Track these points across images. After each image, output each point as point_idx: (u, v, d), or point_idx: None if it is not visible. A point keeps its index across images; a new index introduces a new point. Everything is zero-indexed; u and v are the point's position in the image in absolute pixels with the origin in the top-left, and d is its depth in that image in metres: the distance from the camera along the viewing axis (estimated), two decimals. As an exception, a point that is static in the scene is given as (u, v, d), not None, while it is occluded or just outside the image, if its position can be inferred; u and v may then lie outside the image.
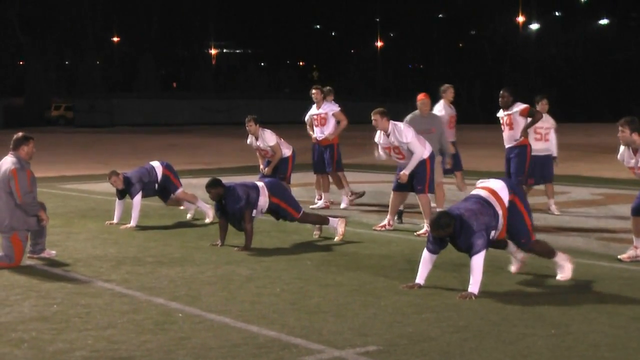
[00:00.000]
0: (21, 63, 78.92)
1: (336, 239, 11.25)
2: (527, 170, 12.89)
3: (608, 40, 74.61)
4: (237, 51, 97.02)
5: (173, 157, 27.84)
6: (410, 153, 11.69)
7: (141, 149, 33.93)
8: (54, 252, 10.30)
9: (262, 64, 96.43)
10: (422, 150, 11.74)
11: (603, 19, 79.32)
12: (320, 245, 11.00)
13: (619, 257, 9.71)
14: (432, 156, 11.91)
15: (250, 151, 15.01)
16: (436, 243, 8.33)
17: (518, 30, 75.37)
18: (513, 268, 9.05)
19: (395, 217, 12.52)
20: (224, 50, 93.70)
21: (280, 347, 6.43)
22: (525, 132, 12.83)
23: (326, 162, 14.99)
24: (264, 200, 10.96)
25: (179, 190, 13.49)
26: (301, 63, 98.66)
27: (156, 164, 13.48)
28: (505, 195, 8.43)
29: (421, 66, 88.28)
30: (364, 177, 20.21)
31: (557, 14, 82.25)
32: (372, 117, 11.79)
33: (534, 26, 78.53)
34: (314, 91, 15.05)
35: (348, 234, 11.51)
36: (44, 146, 31.43)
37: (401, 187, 12.05)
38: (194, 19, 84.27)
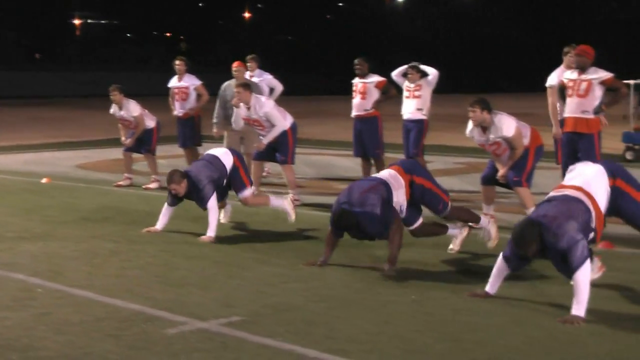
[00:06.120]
0: None
1: (489, 244, 8.80)
2: (381, 141, 13.27)
3: (472, 15, 76.32)
4: (102, 22, 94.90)
5: (37, 131, 27.16)
6: (271, 125, 11.82)
7: (2, 123, 32.84)
8: None
9: (129, 35, 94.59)
10: (283, 122, 11.91)
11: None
12: (186, 217, 10.82)
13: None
14: (293, 126, 12.05)
15: (116, 123, 14.72)
16: (517, 258, 6.78)
17: (384, 3, 76.25)
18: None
19: None
20: (89, 21, 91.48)
21: (144, 319, 6.38)
22: (377, 105, 13.30)
23: (186, 136, 14.70)
24: (401, 193, 8.14)
25: (248, 192, 10.16)
26: (168, 34, 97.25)
27: (220, 152, 10.12)
28: (601, 184, 7.04)
29: (289, 37, 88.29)
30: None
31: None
32: (235, 89, 11.98)
33: (400, -1, 79.61)
34: (177, 62, 14.67)
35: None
36: None
37: (261, 156, 12.16)
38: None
